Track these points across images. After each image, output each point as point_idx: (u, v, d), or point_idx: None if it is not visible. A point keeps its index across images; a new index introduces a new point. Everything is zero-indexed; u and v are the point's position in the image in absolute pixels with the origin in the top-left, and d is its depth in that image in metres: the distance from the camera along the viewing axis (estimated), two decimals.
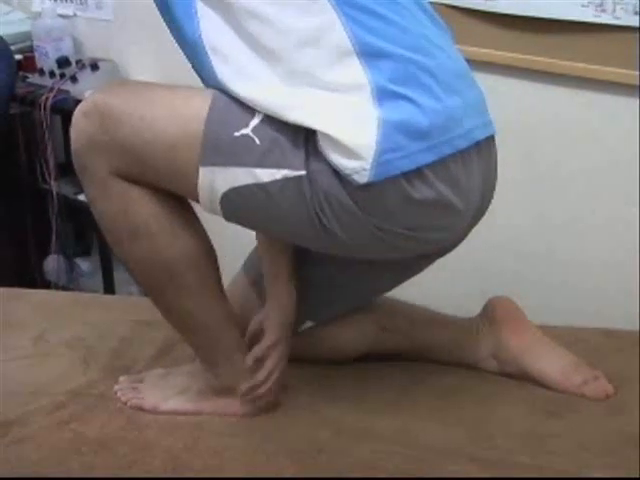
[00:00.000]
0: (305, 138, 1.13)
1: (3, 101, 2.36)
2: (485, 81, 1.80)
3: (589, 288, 1.74)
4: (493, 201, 1.80)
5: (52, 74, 2.41)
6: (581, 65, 1.61)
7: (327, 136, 1.10)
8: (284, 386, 1.36)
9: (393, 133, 1.10)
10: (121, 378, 1.39)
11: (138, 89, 1.24)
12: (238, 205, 1.18)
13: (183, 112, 1.18)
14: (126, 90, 1.23)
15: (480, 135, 1.20)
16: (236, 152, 1.15)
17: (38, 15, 2.60)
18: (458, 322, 1.45)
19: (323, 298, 1.40)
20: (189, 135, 1.16)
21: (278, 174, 1.13)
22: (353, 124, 1.10)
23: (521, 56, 1.70)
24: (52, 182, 2.42)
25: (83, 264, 2.67)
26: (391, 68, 1.11)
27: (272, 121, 1.14)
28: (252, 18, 1.13)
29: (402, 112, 1.11)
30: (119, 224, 1.23)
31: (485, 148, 1.23)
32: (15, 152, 2.46)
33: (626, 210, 1.66)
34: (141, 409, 1.34)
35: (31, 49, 2.54)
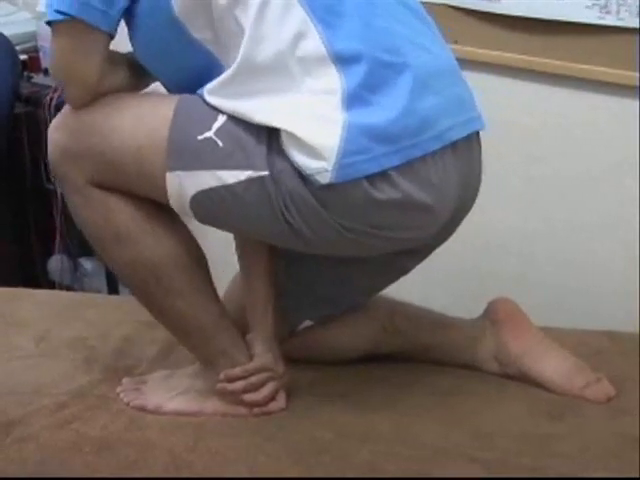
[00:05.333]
0: (268, 138, 1.15)
1: (8, 101, 2.37)
2: (488, 82, 1.80)
3: (592, 290, 1.75)
4: (495, 202, 1.79)
5: None
6: (584, 67, 1.62)
7: (291, 135, 1.12)
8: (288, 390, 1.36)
9: (358, 136, 1.11)
10: (124, 380, 1.40)
11: (107, 99, 1.25)
12: (207, 207, 1.20)
13: (149, 119, 1.21)
14: (95, 101, 1.24)
15: (457, 135, 1.20)
16: (200, 156, 1.17)
17: (43, 15, 2.60)
18: (460, 323, 1.45)
19: (318, 297, 1.41)
20: (155, 142, 1.20)
21: (242, 175, 1.16)
22: (318, 125, 1.11)
23: (524, 57, 1.70)
24: (56, 182, 2.42)
25: (87, 264, 2.67)
26: (364, 73, 1.12)
27: (235, 122, 1.16)
28: (232, 28, 1.15)
29: (370, 116, 1.12)
30: (101, 231, 1.26)
31: (464, 146, 1.23)
32: (19, 152, 2.46)
33: (628, 211, 1.66)
34: (144, 410, 1.34)
35: (36, 49, 2.54)
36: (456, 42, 1.77)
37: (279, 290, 1.37)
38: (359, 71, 1.12)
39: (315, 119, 1.12)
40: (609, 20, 1.53)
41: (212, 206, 1.20)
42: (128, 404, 1.35)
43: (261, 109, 1.14)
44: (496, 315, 1.42)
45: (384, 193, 1.13)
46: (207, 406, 1.34)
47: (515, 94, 1.76)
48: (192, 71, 1.21)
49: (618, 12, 1.51)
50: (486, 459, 1.20)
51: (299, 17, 1.13)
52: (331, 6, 1.14)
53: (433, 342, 1.44)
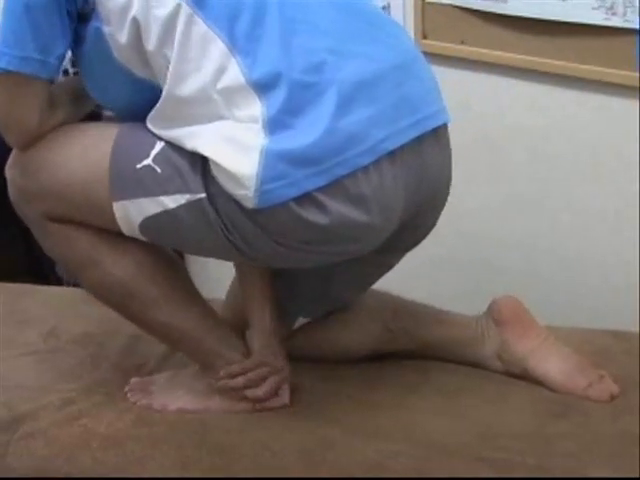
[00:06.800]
0: (202, 162, 1.17)
1: None
2: (493, 82, 1.81)
3: (597, 289, 1.75)
4: (501, 201, 1.79)
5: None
6: (590, 67, 1.62)
7: (217, 164, 1.14)
8: (293, 386, 1.37)
9: (277, 161, 1.12)
10: (132, 380, 1.42)
11: (52, 135, 1.27)
12: (156, 231, 1.24)
13: (91, 153, 1.25)
14: (42, 139, 1.27)
15: (394, 144, 1.18)
16: (141, 183, 1.20)
17: None
18: (463, 321, 1.46)
19: (305, 295, 1.43)
20: (98, 174, 1.23)
21: (182, 199, 1.18)
22: (239, 153, 1.13)
23: (530, 58, 1.71)
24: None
25: None
26: (283, 98, 1.12)
27: (172, 148, 1.19)
28: (163, 65, 1.17)
29: (290, 140, 1.12)
30: (68, 260, 1.32)
31: (410, 150, 1.21)
32: None
33: (630, 210, 1.67)
34: (150, 409, 1.36)
35: None
36: (463, 42, 1.80)
37: (276, 287, 1.39)
38: (279, 96, 1.12)
39: (237, 147, 1.13)
40: (615, 21, 1.53)
41: (160, 230, 1.23)
42: (135, 403, 1.37)
43: (190, 137, 1.16)
44: (499, 314, 1.43)
45: (313, 215, 1.14)
46: (211, 404, 1.36)
47: (520, 94, 1.77)
48: (142, 103, 1.23)
49: (625, 13, 1.51)
50: (491, 458, 1.21)
51: (219, 50, 1.14)
52: (251, 32, 1.14)
53: (436, 340, 1.45)
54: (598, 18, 1.55)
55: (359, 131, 1.15)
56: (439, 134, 1.27)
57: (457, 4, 1.77)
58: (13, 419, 1.33)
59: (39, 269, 2.50)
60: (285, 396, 1.35)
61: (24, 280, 1.85)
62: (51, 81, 1.25)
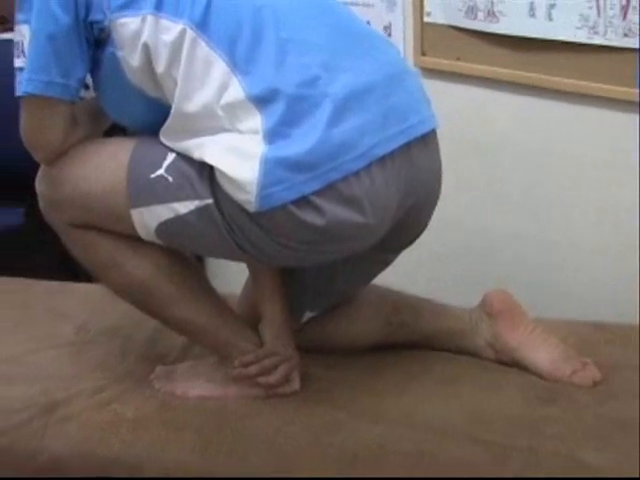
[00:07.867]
0: (210, 171, 1.25)
1: None
2: (488, 95, 1.88)
3: (583, 282, 1.80)
4: (494, 201, 1.85)
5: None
6: (574, 82, 1.68)
7: (221, 172, 1.22)
8: (302, 374, 1.44)
9: (276, 168, 1.19)
10: (157, 368, 1.49)
11: (74, 151, 1.36)
12: (170, 236, 1.32)
13: (109, 165, 1.33)
14: (65, 154, 1.36)
15: (383, 150, 1.25)
16: (155, 192, 1.29)
17: None
18: (458, 314, 1.52)
19: (309, 290, 1.50)
20: (117, 184, 1.31)
21: (192, 205, 1.27)
22: (240, 161, 1.21)
23: (521, 73, 1.76)
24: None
25: None
26: (282, 110, 1.20)
27: (182, 158, 1.27)
28: (172, 86, 1.26)
29: (287, 149, 1.20)
30: (91, 263, 1.40)
31: (400, 155, 1.27)
32: None
33: (621, 216, 1.72)
34: (173, 395, 1.44)
35: None
36: (458, 59, 1.86)
37: (285, 283, 1.46)
38: (277, 109, 1.20)
39: (239, 156, 1.20)
40: (597, 40, 1.59)
41: (174, 234, 1.31)
42: (159, 390, 1.45)
43: (197, 148, 1.25)
44: (491, 307, 1.48)
45: (310, 217, 1.21)
46: (228, 391, 1.43)
47: (511, 106, 1.82)
48: (155, 119, 1.31)
49: (605, 33, 1.57)
50: (486, 440, 1.26)
51: (221, 70, 1.22)
52: (249, 53, 1.22)
53: (434, 331, 1.52)
54: (582, 37, 1.61)
55: (351, 139, 1.22)
56: (428, 140, 1.33)
57: (453, 24, 1.82)
58: (49, 405, 1.39)
59: (72, 267, 2.56)
60: (295, 383, 1.42)
61: (58, 278, 1.91)
62: (73, 102, 1.34)
